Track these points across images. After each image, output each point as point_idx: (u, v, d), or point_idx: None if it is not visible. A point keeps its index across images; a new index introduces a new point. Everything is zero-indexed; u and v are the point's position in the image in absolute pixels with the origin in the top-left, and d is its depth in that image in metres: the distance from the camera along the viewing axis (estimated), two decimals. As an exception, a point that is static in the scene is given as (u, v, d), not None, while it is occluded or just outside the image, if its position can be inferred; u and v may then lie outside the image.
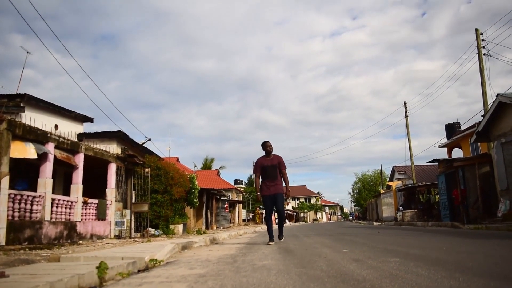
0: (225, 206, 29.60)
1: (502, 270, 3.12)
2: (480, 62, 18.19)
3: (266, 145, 7.62)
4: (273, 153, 7.69)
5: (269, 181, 7.44)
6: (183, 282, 3.09)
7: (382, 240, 7.98)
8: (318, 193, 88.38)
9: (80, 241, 9.94)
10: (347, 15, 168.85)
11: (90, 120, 14.45)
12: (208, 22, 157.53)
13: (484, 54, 18.29)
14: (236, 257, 5.01)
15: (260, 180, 7.65)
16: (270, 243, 7.25)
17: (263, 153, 7.73)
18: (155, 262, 4.68)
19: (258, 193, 7.66)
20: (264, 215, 38.16)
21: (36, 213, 8.85)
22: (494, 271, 3.05)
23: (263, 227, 22.78)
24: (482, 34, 18.57)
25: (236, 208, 37.22)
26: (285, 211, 46.38)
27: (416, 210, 24.44)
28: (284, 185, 7.59)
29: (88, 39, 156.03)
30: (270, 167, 7.45)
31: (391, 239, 8.10)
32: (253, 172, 7.83)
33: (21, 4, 9.23)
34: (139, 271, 4.11)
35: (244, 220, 39.83)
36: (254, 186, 8.08)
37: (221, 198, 28.42)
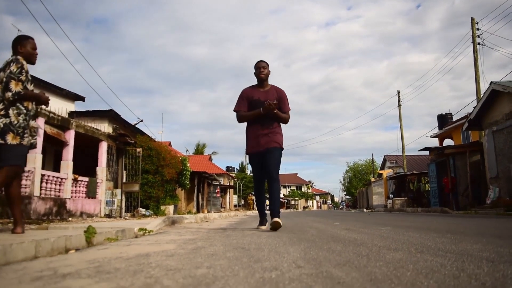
0: (216, 190, 29.59)
1: (492, 232, 3.15)
2: (475, 51, 18.21)
3: (257, 66, 4.60)
4: (270, 83, 4.69)
5: (260, 128, 4.50)
6: (172, 243, 3.06)
7: (373, 218, 8.04)
8: (309, 181, 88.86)
9: (70, 218, 9.85)
10: (343, 5, 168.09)
11: (81, 98, 14.26)
12: (202, 8, 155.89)
13: (479, 43, 18.33)
14: (227, 229, 5.00)
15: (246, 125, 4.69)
16: (261, 227, 4.74)
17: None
18: (144, 231, 4.63)
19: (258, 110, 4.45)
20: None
21: (25, 188, 8.73)
22: (484, 232, 3.07)
23: (254, 212, 22.74)
24: (477, 23, 18.58)
25: (228, 193, 37.27)
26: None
27: (406, 198, 24.62)
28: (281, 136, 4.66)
29: (81, 22, 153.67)
30: (263, 104, 4.40)
31: (382, 218, 8.18)
32: (235, 109, 4.63)
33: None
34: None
35: (235, 206, 39.92)
36: (238, 118, 4.63)
37: (213, 182, 28.38)
